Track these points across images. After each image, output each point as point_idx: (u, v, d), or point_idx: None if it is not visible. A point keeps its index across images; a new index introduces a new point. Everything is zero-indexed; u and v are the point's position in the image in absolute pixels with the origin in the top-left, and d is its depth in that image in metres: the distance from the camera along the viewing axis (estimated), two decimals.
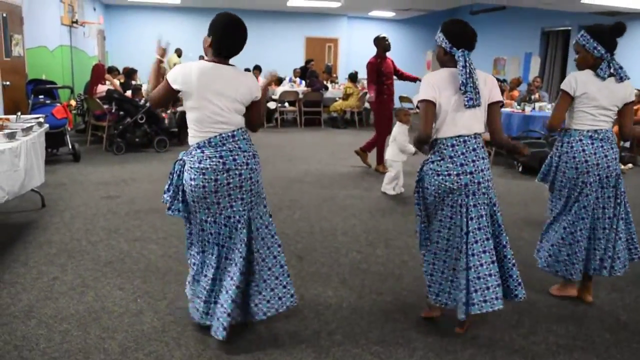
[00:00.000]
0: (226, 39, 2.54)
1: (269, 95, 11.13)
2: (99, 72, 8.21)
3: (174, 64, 12.56)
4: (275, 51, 14.01)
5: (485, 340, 2.87)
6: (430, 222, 2.84)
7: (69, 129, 6.96)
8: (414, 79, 6.91)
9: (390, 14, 14.28)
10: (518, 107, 8.51)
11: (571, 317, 3.17)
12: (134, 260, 3.78)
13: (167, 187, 2.75)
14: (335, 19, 14.92)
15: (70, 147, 6.91)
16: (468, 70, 2.59)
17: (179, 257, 3.86)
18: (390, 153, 5.72)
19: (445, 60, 2.75)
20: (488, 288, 2.66)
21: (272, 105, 11.11)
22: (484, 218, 2.69)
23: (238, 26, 2.55)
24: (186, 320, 2.90)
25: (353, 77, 11.35)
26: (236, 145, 2.55)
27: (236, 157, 2.54)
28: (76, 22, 9.26)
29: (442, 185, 2.68)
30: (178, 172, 2.66)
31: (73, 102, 7.68)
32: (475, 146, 2.69)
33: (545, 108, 8.41)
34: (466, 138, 2.68)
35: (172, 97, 2.63)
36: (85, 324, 2.87)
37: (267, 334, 2.83)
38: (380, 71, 6.58)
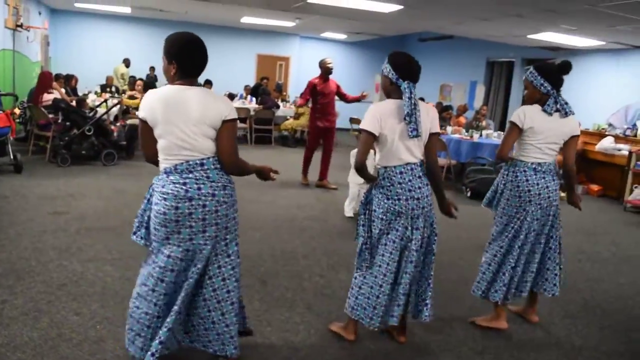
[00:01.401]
0: (190, 59, 2.38)
1: None
2: (46, 80, 7.84)
3: (122, 74, 12.39)
4: (227, 66, 13.89)
5: None
6: (371, 245, 2.90)
7: (11, 138, 6.59)
8: (359, 98, 7.28)
9: (342, 36, 14.52)
10: (466, 134, 8.83)
11: (531, 343, 3.29)
12: (89, 282, 3.60)
13: (139, 212, 2.57)
14: (288, 37, 15.00)
15: (11, 157, 6.53)
16: (412, 102, 2.70)
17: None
18: (350, 174, 5.78)
19: (390, 90, 2.86)
20: (399, 305, 2.87)
21: None
22: (422, 241, 2.89)
23: (198, 43, 2.40)
24: None
25: None
26: (204, 175, 2.37)
27: (201, 186, 2.35)
28: (20, 25, 8.83)
29: (391, 209, 2.80)
30: (149, 196, 2.51)
31: (17, 111, 7.28)
32: (420, 173, 2.86)
33: (491, 136, 8.75)
34: (413, 165, 2.83)
35: (149, 132, 2.38)
36: (42, 353, 2.70)
37: None
38: (316, 91, 7.06)
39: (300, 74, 15.04)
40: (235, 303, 2.54)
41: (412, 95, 2.71)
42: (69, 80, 9.54)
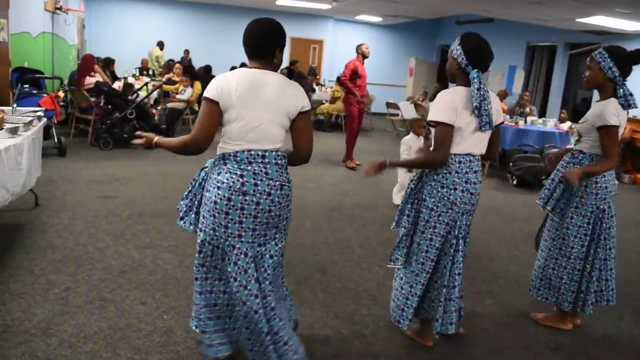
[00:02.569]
0: (246, 38, 2.27)
1: None
2: (89, 63, 7.79)
3: (156, 57, 12.35)
4: None
5: None
6: (413, 239, 2.73)
7: (56, 121, 6.57)
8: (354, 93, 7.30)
9: (377, 19, 14.21)
10: (510, 120, 8.56)
11: (603, 341, 3.12)
12: (149, 270, 3.54)
13: (186, 193, 2.44)
14: (322, 20, 14.76)
15: (55, 140, 6.52)
16: (482, 93, 2.50)
17: None
18: None
19: (457, 74, 2.64)
20: (452, 312, 2.70)
21: None
22: (466, 240, 2.73)
23: (258, 23, 2.27)
24: None
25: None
26: (263, 169, 2.20)
27: (259, 182, 2.18)
28: (59, 8, 8.79)
29: (445, 199, 2.59)
30: (201, 179, 2.36)
31: (61, 94, 7.27)
32: (477, 168, 2.66)
33: (536, 122, 8.48)
34: (472, 158, 2.63)
35: (218, 116, 2.19)
36: (113, 343, 2.63)
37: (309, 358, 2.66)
38: (357, 73, 7.20)
39: (335, 57, 14.84)
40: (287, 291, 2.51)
41: (482, 86, 2.51)
42: (108, 64, 9.51)
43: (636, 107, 2.97)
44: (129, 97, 7.39)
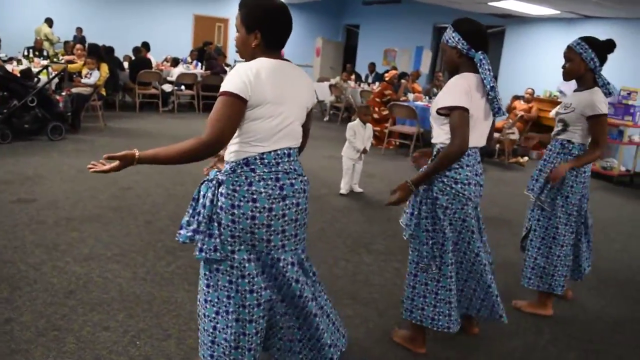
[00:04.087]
0: (277, 27, 1.95)
1: (165, 77, 10.19)
2: None
3: (44, 35, 11.09)
4: (161, 28, 12.83)
5: None
6: (433, 242, 2.55)
7: None
8: None
9: None
10: (429, 100, 8.74)
11: (574, 319, 3.23)
12: (100, 287, 3.08)
13: (187, 219, 1.99)
14: None
15: None
16: (492, 75, 2.43)
17: (155, 278, 3.24)
18: (345, 148, 5.47)
19: (460, 62, 2.49)
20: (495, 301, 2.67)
21: (167, 88, 10.19)
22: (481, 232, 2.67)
23: (286, 8, 1.99)
24: None
25: None
26: (291, 167, 1.99)
27: (293, 181, 1.98)
28: None
29: (460, 195, 2.46)
30: (211, 196, 1.93)
31: None
32: (479, 159, 2.57)
33: None
34: (476, 150, 2.54)
35: (242, 116, 1.87)
36: None
37: None
38: None
39: None
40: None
41: (490, 67, 2.43)
42: None
43: (614, 95, 3.03)
44: (28, 83, 6.50)
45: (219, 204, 1.91)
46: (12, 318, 2.66)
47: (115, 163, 1.85)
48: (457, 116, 2.36)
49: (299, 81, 2.01)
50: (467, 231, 2.53)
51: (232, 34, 14.59)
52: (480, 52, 2.42)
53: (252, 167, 1.91)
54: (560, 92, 9.39)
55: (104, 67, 7.61)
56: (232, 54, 14.20)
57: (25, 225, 3.88)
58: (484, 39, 2.47)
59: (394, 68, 10.95)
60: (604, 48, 2.93)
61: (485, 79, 2.41)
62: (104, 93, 7.96)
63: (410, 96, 9.25)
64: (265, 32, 1.93)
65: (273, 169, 1.93)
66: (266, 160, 1.92)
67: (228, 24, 14.29)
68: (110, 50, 9.45)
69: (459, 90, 2.39)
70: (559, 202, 3.06)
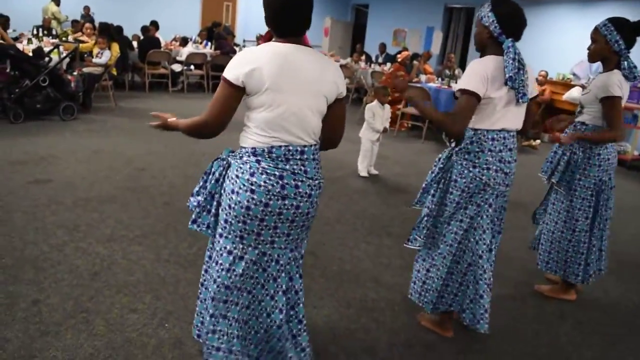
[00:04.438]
0: (291, 11, 1.92)
1: (174, 56, 10.10)
2: None
3: (52, 13, 10.98)
4: (169, 8, 12.70)
5: None
6: (439, 221, 2.58)
7: None
8: None
9: None
10: (442, 82, 8.64)
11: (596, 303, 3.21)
12: (125, 269, 3.07)
13: (197, 188, 2.05)
14: None
15: None
16: (517, 64, 2.34)
17: (179, 260, 3.23)
18: (363, 129, 5.44)
19: (488, 43, 2.44)
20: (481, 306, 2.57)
21: (177, 67, 10.10)
22: (499, 224, 2.61)
23: None
24: None
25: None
26: (302, 167, 1.90)
27: (299, 183, 1.89)
28: None
29: (477, 179, 2.43)
30: (218, 175, 1.97)
31: None
32: (512, 146, 2.51)
33: None
34: (506, 134, 2.47)
35: (237, 103, 1.86)
36: None
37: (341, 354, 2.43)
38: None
39: (249, 16, 14.14)
40: (302, 320, 2.13)
41: (517, 56, 2.34)
42: (2, 23, 8.19)
43: (639, 80, 2.96)
44: (40, 62, 6.44)
45: (224, 185, 1.94)
46: (40, 300, 2.66)
47: (158, 121, 2.11)
48: (462, 100, 2.35)
49: (315, 68, 1.89)
50: (478, 217, 2.48)
51: (240, 13, 14.45)
52: (510, 40, 2.34)
53: (259, 158, 1.87)
54: (574, 74, 9.25)
55: (115, 47, 7.52)
56: (240, 33, 14.07)
57: (44, 206, 3.86)
58: (519, 25, 2.39)
59: (405, 49, 10.81)
60: (633, 30, 2.85)
61: (507, 67, 2.33)
62: (114, 73, 7.89)
63: (423, 77, 9.14)
64: (273, 16, 1.91)
65: (279, 166, 1.86)
66: (274, 155, 1.87)
67: (236, 3, 14.13)
68: (119, 29, 9.34)
69: (474, 75, 2.36)
70: (572, 186, 3.03)
